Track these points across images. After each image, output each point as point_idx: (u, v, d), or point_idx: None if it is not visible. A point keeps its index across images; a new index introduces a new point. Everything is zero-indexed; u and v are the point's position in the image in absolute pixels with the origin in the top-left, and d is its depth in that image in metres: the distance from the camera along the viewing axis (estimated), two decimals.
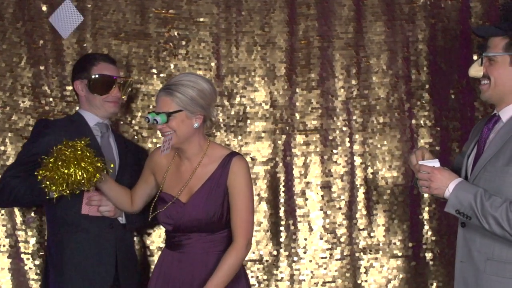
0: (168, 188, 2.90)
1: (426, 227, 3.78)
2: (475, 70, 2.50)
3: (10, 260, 3.61)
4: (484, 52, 2.48)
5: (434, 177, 2.40)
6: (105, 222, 3.15)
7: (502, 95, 2.45)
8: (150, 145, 3.72)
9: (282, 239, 3.76)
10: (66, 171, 2.75)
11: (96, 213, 3.13)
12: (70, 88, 3.68)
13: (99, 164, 2.83)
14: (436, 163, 2.44)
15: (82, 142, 2.86)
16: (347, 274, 3.78)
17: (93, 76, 3.24)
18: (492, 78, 2.44)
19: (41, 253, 3.60)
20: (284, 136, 3.78)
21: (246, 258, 3.09)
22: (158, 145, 3.64)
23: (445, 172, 2.41)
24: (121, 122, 3.71)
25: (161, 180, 2.94)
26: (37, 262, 3.61)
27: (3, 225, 3.62)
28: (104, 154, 3.17)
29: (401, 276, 3.78)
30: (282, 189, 3.77)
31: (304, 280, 3.76)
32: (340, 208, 3.78)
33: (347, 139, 3.79)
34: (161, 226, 3.16)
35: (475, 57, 3.69)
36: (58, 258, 3.12)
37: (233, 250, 2.79)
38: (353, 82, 3.78)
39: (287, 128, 3.78)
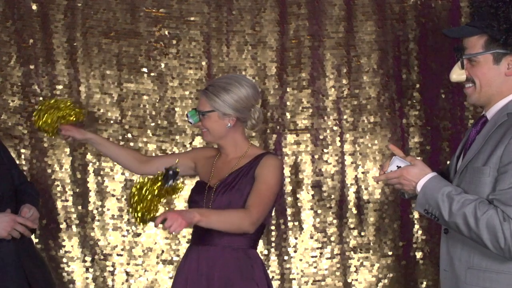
0: (203, 177, 2.88)
1: (416, 226, 3.79)
2: (457, 74, 2.37)
3: None
4: (462, 54, 2.37)
5: (402, 181, 2.26)
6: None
7: (489, 96, 2.33)
8: (140, 145, 3.71)
9: (272, 238, 3.76)
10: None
11: None
12: (60, 87, 3.67)
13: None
14: (399, 162, 2.22)
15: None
16: (337, 273, 3.79)
17: None
18: (477, 80, 2.32)
19: None
20: (275, 136, 3.78)
21: None
22: (148, 145, 3.67)
23: (411, 170, 2.21)
24: (111, 121, 3.71)
25: (200, 170, 2.92)
26: None
27: None
28: None
29: (391, 275, 3.79)
30: None
31: (294, 279, 3.76)
32: (330, 207, 3.79)
33: (338, 139, 3.79)
34: None
35: None
36: None
37: (243, 211, 2.62)
38: (344, 81, 3.78)
39: (278, 127, 3.78)
